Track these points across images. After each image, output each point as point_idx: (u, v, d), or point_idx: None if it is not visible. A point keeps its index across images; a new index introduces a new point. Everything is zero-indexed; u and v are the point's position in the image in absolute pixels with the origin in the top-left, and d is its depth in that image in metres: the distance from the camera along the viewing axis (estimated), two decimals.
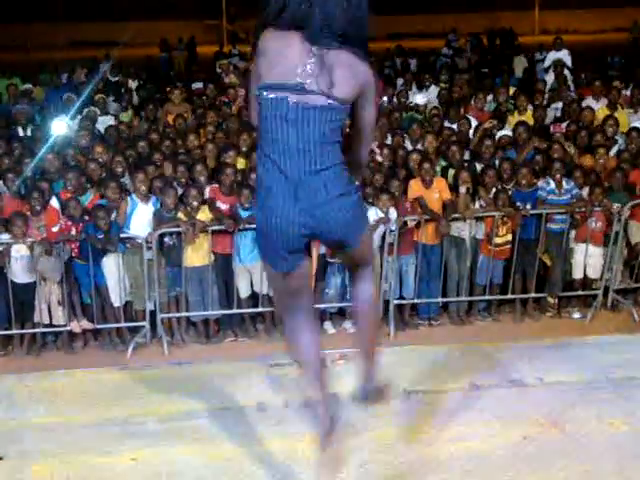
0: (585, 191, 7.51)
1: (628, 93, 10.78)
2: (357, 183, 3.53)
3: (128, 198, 7.06)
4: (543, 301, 7.62)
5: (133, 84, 13.52)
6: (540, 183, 7.51)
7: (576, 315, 7.57)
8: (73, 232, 6.75)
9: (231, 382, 4.93)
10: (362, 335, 3.73)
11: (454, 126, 9.27)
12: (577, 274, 7.62)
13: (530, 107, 10.09)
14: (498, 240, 7.32)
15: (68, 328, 6.86)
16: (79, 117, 10.02)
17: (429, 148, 8.27)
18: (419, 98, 10.72)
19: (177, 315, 7.15)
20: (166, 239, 6.95)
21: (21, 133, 9.80)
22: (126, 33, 20.37)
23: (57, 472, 3.94)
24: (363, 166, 3.61)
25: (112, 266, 6.87)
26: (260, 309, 7.17)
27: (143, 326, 6.99)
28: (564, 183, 7.45)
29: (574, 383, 4.79)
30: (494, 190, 7.38)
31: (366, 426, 3.90)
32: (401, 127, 9.45)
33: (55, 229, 6.70)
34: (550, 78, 12.53)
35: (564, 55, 13.38)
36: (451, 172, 7.75)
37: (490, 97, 10.69)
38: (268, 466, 3.88)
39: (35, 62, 16.85)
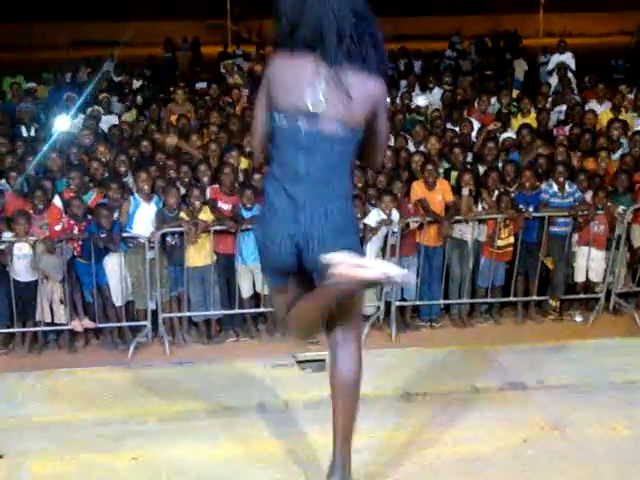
0: (589, 194, 7.51)
1: (632, 97, 10.78)
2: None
3: (131, 198, 7.08)
4: (545, 304, 7.62)
5: (137, 84, 13.53)
6: (543, 186, 7.52)
7: (578, 318, 7.58)
8: (75, 231, 6.76)
9: (232, 382, 4.92)
10: (338, 418, 3.32)
11: (457, 128, 9.28)
12: (579, 277, 7.62)
13: (533, 110, 10.09)
14: (500, 242, 7.32)
15: (70, 327, 6.87)
16: (83, 116, 10.04)
17: (432, 150, 8.28)
18: (421, 100, 10.73)
19: (179, 315, 7.15)
20: (168, 239, 6.96)
21: (25, 132, 9.81)
22: (129, 33, 20.38)
23: (57, 471, 3.93)
24: (376, 171, 3.58)
25: (114, 265, 6.88)
26: (262, 309, 7.18)
27: (145, 325, 7.00)
28: (567, 186, 7.45)
29: (575, 386, 4.77)
30: (497, 192, 7.38)
31: (366, 428, 3.88)
32: (404, 129, 9.46)
33: (58, 228, 6.72)
34: (554, 81, 12.54)
35: (568, 58, 13.40)
36: (454, 174, 7.76)
37: (494, 99, 10.69)
38: (268, 466, 3.87)
39: (38, 61, 16.85)
